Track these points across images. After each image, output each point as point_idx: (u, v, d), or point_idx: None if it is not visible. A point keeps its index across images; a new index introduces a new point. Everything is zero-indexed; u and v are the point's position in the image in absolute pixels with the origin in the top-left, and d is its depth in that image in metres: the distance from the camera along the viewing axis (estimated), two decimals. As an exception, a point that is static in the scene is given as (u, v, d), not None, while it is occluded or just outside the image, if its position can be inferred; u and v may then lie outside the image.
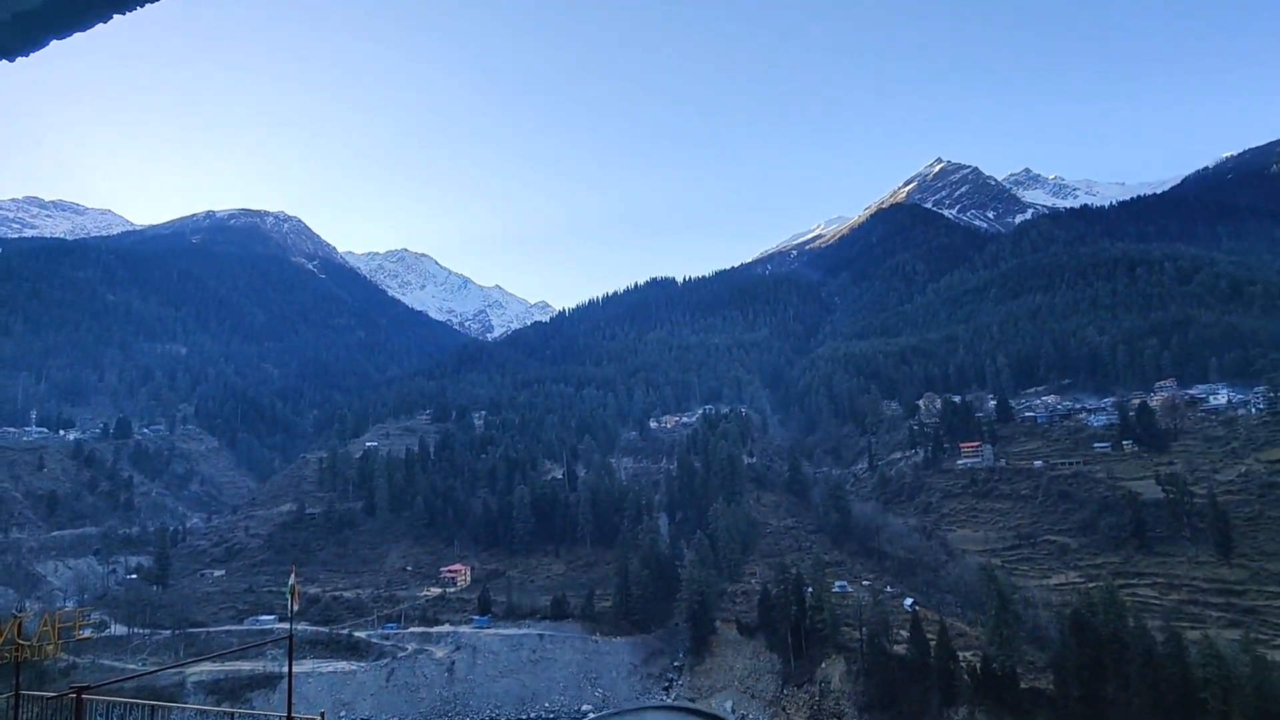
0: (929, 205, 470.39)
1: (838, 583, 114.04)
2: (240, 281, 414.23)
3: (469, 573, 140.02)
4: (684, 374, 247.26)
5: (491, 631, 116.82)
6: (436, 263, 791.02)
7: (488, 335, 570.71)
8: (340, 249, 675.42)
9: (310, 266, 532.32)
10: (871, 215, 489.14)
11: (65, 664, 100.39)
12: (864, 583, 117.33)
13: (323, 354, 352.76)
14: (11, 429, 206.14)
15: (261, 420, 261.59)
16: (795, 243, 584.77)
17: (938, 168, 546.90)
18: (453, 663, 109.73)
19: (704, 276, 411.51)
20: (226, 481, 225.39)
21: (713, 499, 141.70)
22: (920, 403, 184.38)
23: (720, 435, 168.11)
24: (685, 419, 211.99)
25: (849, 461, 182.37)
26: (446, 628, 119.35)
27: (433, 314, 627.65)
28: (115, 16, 4.85)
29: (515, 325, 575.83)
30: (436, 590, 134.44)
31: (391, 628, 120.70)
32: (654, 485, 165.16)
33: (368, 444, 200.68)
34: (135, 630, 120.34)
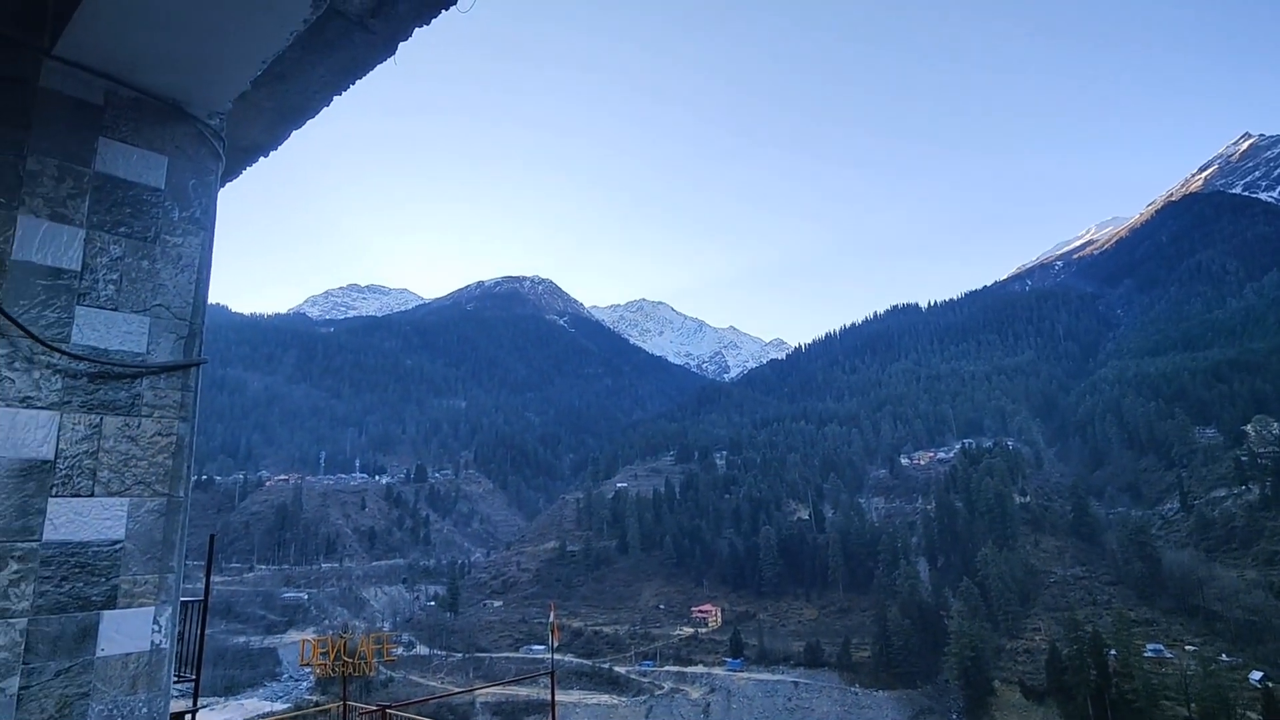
0: (1237, 190, 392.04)
1: (1149, 645, 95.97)
2: (505, 340, 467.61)
3: (719, 613, 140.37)
4: (936, 406, 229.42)
5: (745, 675, 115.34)
6: (672, 309, 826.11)
7: (724, 376, 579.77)
8: (586, 304, 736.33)
9: (561, 322, 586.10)
10: (1158, 211, 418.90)
11: (385, 678, 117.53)
12: (1187, 648, 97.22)
13: (575, 401, 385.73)
14: (344, 475, 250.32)
15: (527, 464, 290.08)
16: (1059, 252, 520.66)
17: (1245, 145, 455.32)
18: (708, 704, 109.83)
19: (952, 299, 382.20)
20: (501, 520, 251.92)
21: (980, 543, 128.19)
22: (1249, 428, 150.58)
23: (985, 471, 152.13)
24: (942, 455, 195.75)
25: (1152, 500, 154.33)
26: (700, 668, 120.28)
27: (671, 358, 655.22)
28: (335, 98, 5.57)
29: (751, 364, 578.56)
30: (688, 630, 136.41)
31: (648, 665, 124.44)
32: (909, 527, 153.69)
33: (618, 485, 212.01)
34: (435, 651, 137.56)
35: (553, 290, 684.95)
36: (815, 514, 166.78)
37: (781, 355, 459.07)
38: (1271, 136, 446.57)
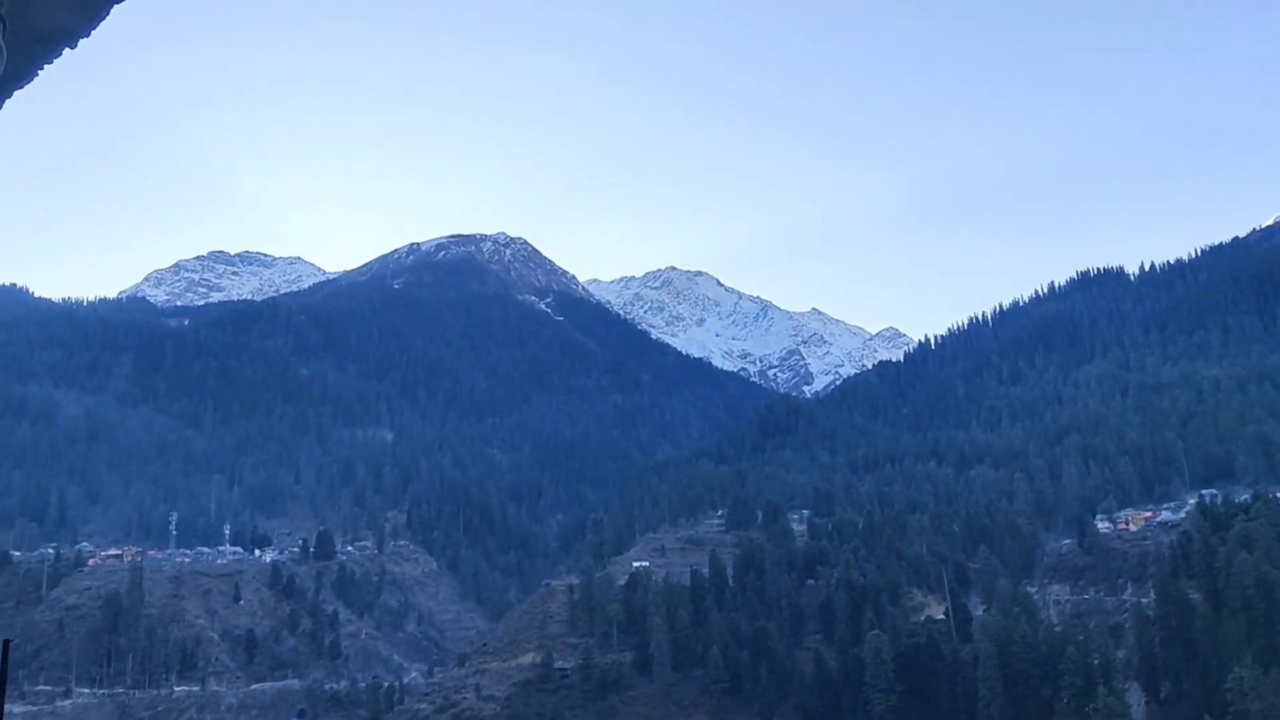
0: None
1: None
2: (453, 335, 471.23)
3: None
4: (1153, 435, 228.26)
5: None
6: (718, 283, 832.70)
7: (804, 388, 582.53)
8: (581, 277, 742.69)
9: (542, 305, 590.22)
10: None
11: None
12: None
13: (565, 430, 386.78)
14: (205, 549, 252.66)
15: (490, 531, 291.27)
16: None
17: None
18: None
19: (1178, 261, 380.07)
20: (449, 618, 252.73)
21: (1231, 658, 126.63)
22: None
23: (1239, 541, 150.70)
24: (1166, 514, 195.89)
25: None
26: None
27: (717, 360, 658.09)
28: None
29: (847, 369, 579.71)
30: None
31: None
32: (1112, 631, 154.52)
33: (635, 564, 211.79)
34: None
35: (527, 255, 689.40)
36: (955, 611, 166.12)
37: (897, 354, 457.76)
38: None
